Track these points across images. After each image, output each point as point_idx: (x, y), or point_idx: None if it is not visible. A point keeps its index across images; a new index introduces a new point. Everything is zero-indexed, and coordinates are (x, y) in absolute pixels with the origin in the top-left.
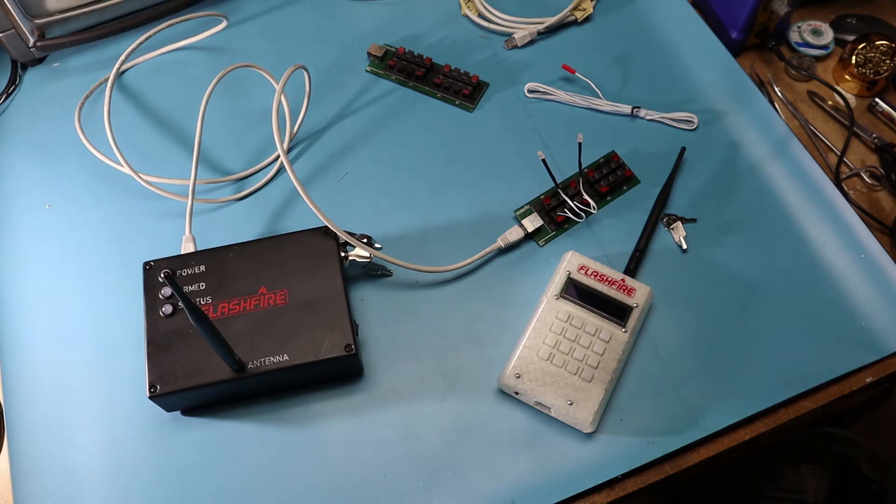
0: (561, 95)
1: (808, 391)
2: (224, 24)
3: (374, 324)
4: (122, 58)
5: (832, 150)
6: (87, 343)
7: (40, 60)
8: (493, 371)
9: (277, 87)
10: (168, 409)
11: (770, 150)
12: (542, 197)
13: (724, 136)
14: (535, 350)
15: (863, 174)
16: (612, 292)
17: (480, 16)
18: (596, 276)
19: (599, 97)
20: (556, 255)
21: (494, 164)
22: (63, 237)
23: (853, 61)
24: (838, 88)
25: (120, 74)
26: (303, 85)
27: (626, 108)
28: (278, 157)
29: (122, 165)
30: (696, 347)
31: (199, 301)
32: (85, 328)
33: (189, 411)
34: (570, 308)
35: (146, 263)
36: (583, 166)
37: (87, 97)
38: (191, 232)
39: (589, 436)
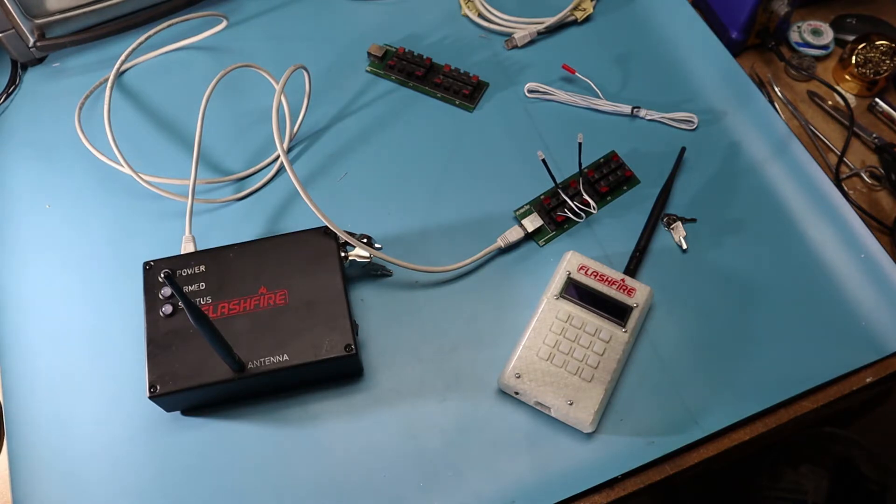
0: (561, 95)
1: (808, 391)
2: (224, 24)
3: (374, 324)
4: (122, 58)
5: (832, 150)
6: (87, 343)
7: (40, 60)
8: (493, 371)
9: (277, 87)
10: (168, 409)
11: (770, 150)
12: (542, 197)
13: (724, 136)
14: (535, 350)
15: (863, 174)
16: (612, 292)
17: (480, 16)
18: (596, 276)
19: (599, 97)
20: (556, 255)
21: (494, 164)
22: (63, 237)
23: (853, 61)
24: (838, 88)
25: (120, 74)
26: (303, 85)
27: (626, 108)
28: (278, 157)
29: (122, 165)
30: (696, 347)
31: (199, 301)
32: (85, 328)
33: (189, 411)
34: (570, 308)
35: (146, 263)
36: (583, 166)
37: (87, 97)
38: (191, 232)
39: (589, 436)
